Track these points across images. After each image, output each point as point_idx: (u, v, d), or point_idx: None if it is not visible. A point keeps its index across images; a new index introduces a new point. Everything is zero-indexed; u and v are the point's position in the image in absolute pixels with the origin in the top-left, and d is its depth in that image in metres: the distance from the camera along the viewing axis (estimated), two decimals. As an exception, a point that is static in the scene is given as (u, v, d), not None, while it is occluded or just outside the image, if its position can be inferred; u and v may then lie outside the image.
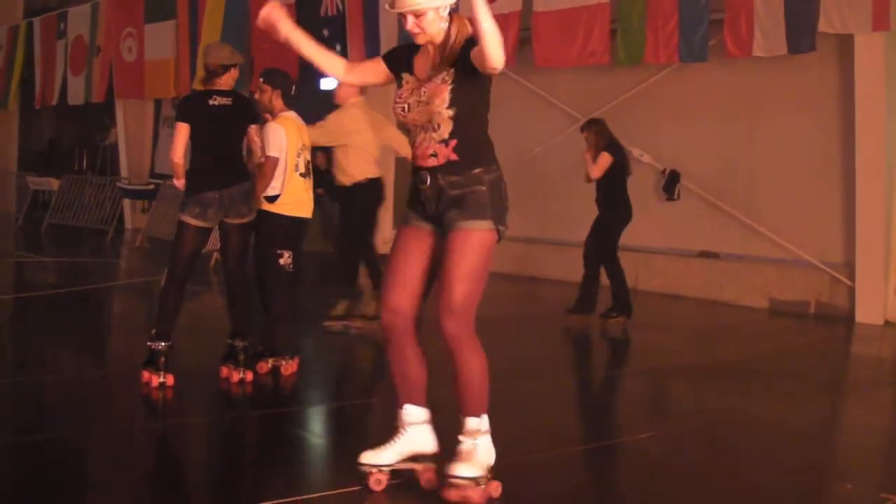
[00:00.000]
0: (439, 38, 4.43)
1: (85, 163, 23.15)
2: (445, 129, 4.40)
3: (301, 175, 7.11)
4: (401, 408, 4.63)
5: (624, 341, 9.51)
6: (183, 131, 6.74)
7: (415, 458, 4.63)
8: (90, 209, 19.87)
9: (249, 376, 6.85)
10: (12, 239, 16.64)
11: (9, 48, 22.76)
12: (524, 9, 12.00)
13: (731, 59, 10.64)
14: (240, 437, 6.03)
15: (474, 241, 4.41)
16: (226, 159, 6.81)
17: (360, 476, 4.57)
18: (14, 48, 22.45)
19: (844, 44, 10.25)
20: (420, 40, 4.48)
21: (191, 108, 6.91)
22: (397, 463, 4.59)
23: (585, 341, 9.67)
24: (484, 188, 4.43)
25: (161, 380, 6.57)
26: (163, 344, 6.61)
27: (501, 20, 11.93)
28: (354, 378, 7.94)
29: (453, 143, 4.42)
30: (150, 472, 5.25)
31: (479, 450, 4.46)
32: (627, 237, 9.98)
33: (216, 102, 6.78)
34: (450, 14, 4.44)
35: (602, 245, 9.71)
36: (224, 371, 6.88)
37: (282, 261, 7.07)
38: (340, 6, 14.22)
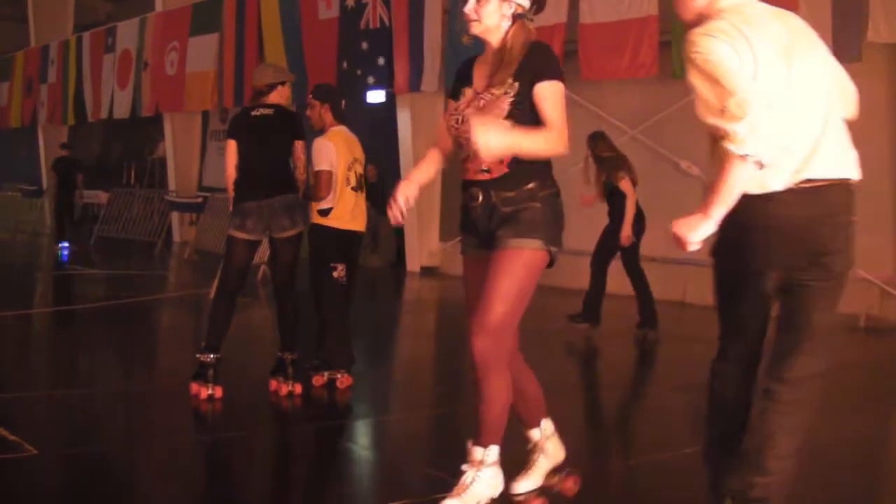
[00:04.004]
0: (495, 38, 4.24)
1: (133, 176, 23.39)
2: None
3: (353, 189, 7.10)
4: (535, 427, 4.74)
5: (671, 355, 9.44)
6: (231, 148, 6.83)
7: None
8: (138, 222, 20.08)
9: (298, 389, 6.86)
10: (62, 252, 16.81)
11: (60, 63, 23.00)
12: (570, 20, 11.95)
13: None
14: (288, 450, 6.05)
15: (522, 260, 4.16)
16: (267, 170, 6.79)
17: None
18: (66, 63, 22.68)
19: (893, 54, 10.14)
20: (474, 29, 4.25)
21: (236, 122, 6.98)
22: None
23: (633, 355, 9.60)
24: (538, 205, 4.22)
25: (210, 392, 6.60)
26: (212, 356, 6.64)
27: (546, 31, 11.91)
28: (407, 392, 7.88)
29: (507, 158, 4.16)
30: (198, 484, 5.28)
31: (476, 483, 4.24)
32: (676, 250, 9.86)
33: (257, 113, 6.84)
34: (514, 18, 4.22)
35: (622, 259, 9.86)
36: (273, 384, 6.91)
37: (335, 274, 7.07)
38: (386, 20, 14.29)
